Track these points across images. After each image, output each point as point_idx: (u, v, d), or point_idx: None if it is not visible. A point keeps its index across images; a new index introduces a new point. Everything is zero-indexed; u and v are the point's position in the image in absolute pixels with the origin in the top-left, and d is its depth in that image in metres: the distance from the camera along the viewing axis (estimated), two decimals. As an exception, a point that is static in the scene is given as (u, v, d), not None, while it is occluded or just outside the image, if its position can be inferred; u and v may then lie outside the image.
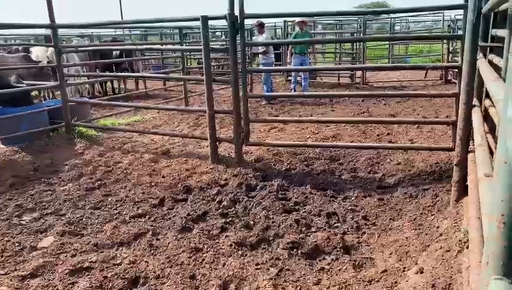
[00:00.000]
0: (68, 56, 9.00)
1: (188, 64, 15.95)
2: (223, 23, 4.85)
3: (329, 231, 3.39)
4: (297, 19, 10.21)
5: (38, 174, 5.03)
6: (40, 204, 4.14)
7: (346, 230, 3.43)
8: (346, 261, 2.96)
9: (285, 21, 13.78)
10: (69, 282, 2.77)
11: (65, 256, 3.11)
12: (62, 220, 3.75)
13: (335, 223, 3.57)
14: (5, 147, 6.08)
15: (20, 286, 2.75)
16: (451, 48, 11.75)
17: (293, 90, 10.78)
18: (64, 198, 4.26)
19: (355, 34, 13.88)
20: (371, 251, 3.11)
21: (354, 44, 13.92)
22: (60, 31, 7.92)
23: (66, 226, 3.59)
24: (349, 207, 3.84)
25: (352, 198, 4.08)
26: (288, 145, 5.54)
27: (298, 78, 11.05)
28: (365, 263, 2.94)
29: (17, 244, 3.33)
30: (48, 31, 7.24)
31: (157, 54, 13.52)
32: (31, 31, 17.70)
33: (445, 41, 12.93)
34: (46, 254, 3.16)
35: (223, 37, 14.90)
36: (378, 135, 6.34)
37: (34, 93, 10.50)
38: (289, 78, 12.13)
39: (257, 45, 10.77)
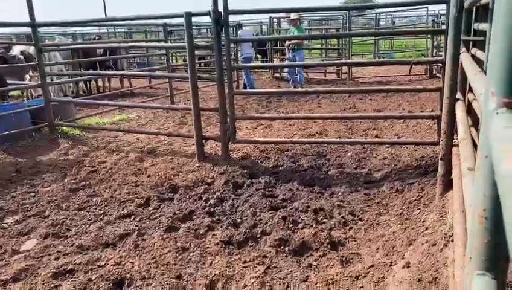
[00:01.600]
0: (50, 55, 8.82)
1: (174, 61, 15.83)
2: (208, 19, 4.80)
3: (317, 227, 3.38)
4: (292, 16, 10.25)
5: (20, 175, 4.92)
6: (22, 206, 4.05)
7: (333, 226, 3.43)
8: (333, 257, 2.96)
9: (270, 17, 13.75)
10: (52, 285, 2.71)
11: (48, 259, 3.05)
12: (45, 222, 3.68)
13: (322, 219, 3.56)
14: (-14, 148, 5.94)
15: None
16: (435, 43, 11.86)
17: (293, 86, 10.78)
18: (48, 199, 4.18)
19: (340, 30, 13.93)
20: (358, 246, 3.12)
21: (340, 40, 13.97)
22: (43, 29, 7.77)
23: (50, 228, 3.52)
24: (336, 203, 3.85)
25: (339, 194, 4.08)
26: (275, 142, 5.53)
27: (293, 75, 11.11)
28: (352, 259, 2.94)
29: (-1, 247, 3.26)
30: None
31: (142, 51, 13.36)
32: (13, 29, 17.34)
33: (429, 36, 13.05)
34: (29, 257, 3.09)
35: (209, 34, 14.82)
36: (364, 131, 6.37)
37: (16, 92, 10.31)
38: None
39: (241, 41, 10.74)
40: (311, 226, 3.43)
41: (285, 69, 12.64)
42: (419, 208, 3.49)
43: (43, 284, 2.72)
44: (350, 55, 12.98)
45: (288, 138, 6.07)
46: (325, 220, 3.55)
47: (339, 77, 13.15)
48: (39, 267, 2.93)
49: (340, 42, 13.99)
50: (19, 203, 4.13)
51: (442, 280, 2.20)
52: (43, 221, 3.71)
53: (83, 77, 10.40)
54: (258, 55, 14.47)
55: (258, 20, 18.92)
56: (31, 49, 8.12)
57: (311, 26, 17.47)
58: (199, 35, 18.27)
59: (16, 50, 8.38)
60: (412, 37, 20.01)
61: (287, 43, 10.76)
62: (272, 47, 13.18)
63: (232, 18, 6.68)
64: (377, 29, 15.59)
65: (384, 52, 18.48)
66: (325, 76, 13.45)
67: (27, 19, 6.04)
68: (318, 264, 2.90)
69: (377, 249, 2.98)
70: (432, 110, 6.88)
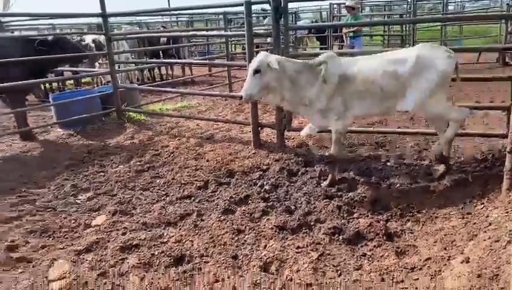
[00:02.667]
0: (118, 43, 9.33)
1: (233, 49, 16.06)
2: (268, 7, 4.83)
3: (372, 218, 3.35)
4: (347, 3, 10.01)
5: (91, 156, 5.33)
6: (93, 184, 4.40)
7: (389, 217, 3.38)
8: (388, 248, 2.93)
9: (331, 4, 13.48)
10: (119, 258, 2.94)
11: (116, 233, 3.31)
12: (114, 200, 3.97)
13: (378, 209, 3.52)
14: (62, 130, 6.48)
15: (76, 259, 2.97)
16: (510, 28, 10.98)
17: None
18: (116, 179, 4.49)
19: (405, 16, 13.32)
20: (415, 238, 3.05)
21: (404, 26, 13.36)
22: (111, 19, 8.23)
23: (117, 206, 3.80)
24: (394, 194, 3.77)
25: (397, 185, 3.99)
26: (330, 130, 5.47)
27: None
28: (408, 251, 2.89)
29: (73, 221, 3.58)
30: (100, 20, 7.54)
31: (203, 40, 13.69)
32: (84, 20, 18.46)
33: (503, 21, 12.11)
34: (99, 231, 3.37)
35: (266, 20, 14.83)
36: (426, 121, 6.11)
37: (87, 79, 11.05)
38: None
39: (300, 29, 10.65)
40: (367, 216, 3.41)
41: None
42: (483, 203, 3.33)
43: (112, 256, 2.97)
44: (414, 42, 12.40)
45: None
46: (381, 211, 3.50)
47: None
48: (108, 241, 3.19)
49: (404, 28, 13.39)
50: (90, 181, 4.49)
51: (504, 277, 2.11)
52: (111, 199, 4.01)
53: (147, 65, 10.90)
54: (317, 42, 14.26)
55: (318, 7, 18.59)
56: (101, 38, 8.65)
57: (373, 12, 16.88)
58: (258, 24, 18.34)
59: (88, 39, 8.94)
60: (484, 22, 18.63)
61: (344, 30, 10.52)
62: (332, 34, 12.93)
63: (290, 5, 6.65)
64: (444, 14, 14.71)
65: (452, 38, 17.41)
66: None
67: (97, 10, 6.44)
68: (372, 254, 2.89)
69: (435, 242, 2.90)
70: (503, 101, 6.43)
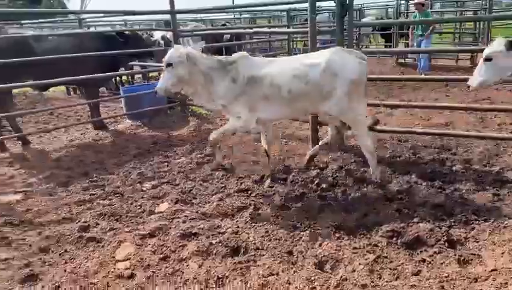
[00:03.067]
0: (184, 40, 9.67)
1: (295, 46, 16.01)
2: (331, 4, 4.79)
3: (434, 223, 3.21)
4: (415, 0, 9.61)
5: (157, 147, 5.62)
6: (158, 174, 4.63)
7: (452, 223, 3.22)
8: (450, 255, 2.80)
9: (397, 0, 12.98)
10: (180, 244, 3.09)
11: (177, 221, 3.47)
12: (176, 189, 4.16)
13: (440, 215, 3.37)
14: (131, 121, 6.88)
15: (140, 243, 3.16)
16: None
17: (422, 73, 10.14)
18: (178, 170, 4.69)
19: (479, 12, 12.50)
20: (480, 247, 2.90)
21: (478, 23, 12.54)
22: (177, 16, 8.56)
23: (179, 195, 3.98)
24: (459, 200, 3.59)
25: (463, 191, 3.79)
26: (393, 131, 5.30)
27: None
28: (472, 260, 2.75)
29: (138, 207, 3.81)
30: (167, 17, 7.88)
31: (265, 36, 13.79)
32: (152, 16, 19.33)
33: None
34: (162, 218, 3.56)
35: (331, 18, 14.63)
36: (499, 125, 5.74)
37: (154, 74, 11.58)
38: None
39: (366, 26, 10.38)
40: (428, 221, 3.27)
41: (410, 55, 11.89)
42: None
43: (173, 242, 3.13)
44: (488, 40, 11.59)
45: (408, 128, 5.77)
46: (444, 216, 3.35)
47: (472, 64, 11.87)
48: (170, 228, 3.36)
49: (478, 26, 12.56)
50: (155, 170, 4.74)
51: None
52: (174, 188, 4.20)
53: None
54: (381, 40, 13.82)
55: (384, 4, 17.96)
56: (169, 34, 9.02)
57: (445, 8, 15.98)
58: (320, 21, 18.11)
59: (157, 36, 9.35)
60: None
61: (411, 29, 10.09)
62: (397, 31, 12.47)
63: (355, 1, 6.52)
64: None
65: (533, 36, 16.02)
66: (457, 62, 12.27)
67: (166, 7, 6.74)
68: (432, 261, 2.78)
69: (502, 253, 2.73)
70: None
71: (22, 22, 11.42)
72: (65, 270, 2.84)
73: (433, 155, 4.66)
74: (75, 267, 2.88)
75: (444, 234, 3.02)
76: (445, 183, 3.95)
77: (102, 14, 11.28)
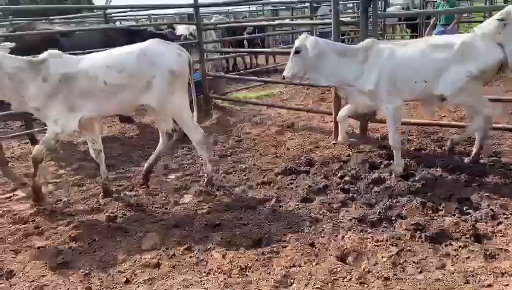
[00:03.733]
0: (206, 33, 9.72)
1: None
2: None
3: (459, 217, 3.17)
4: None
5: (181, 139, 5.69)
6: (182, 166, 4.72)
7: (479, 218, 3.16)
8: (476, 249, 2.76)
9: (424, -12, 12.64)
10: (204, 235, 3.15)
11: (201, 212, 3.54)
12: (199, 181, 4.23)
13: (466, 209, 3.31)
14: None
15: (165, 233, 3.24)
16: None
17: None
18: (201, 162, 4.75)
19: (510, 2, 12.03)
20: (507, 242, 2.83)
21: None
22: (200, 9, 8.62)
23: (202, 187, 4.04)
24: (486, 194, 3.50)
25: (491, 185, 3.70)
26: (418, 123, 5.21)
27: None
28: (499, 255, 2.70)
29: (163, 198, 3.89)
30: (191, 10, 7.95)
31: (287, 28, 13.71)
32: (176, 10, 19.49)
33: None
34: (186, 209, 3.63)
35: (355, 9, 14.37)
36: (529, 117, 5.54)
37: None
38: None
39: (391, 17, 10.16)
40: (453, 215, 3.23)
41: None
42: None
43: (197, 232, 3.19)
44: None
45: (434, 120, 5.65)
46: (470, 210, 3.30)
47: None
48: (194, 218, 3.43)
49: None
50: (179, 163, 4.82)
51: None
52: (197, 180, 4.27)
53: (233, 54, 11.23)
54: (408, 30, 13.49)
55: (410, -7, 17.52)
56: (191, 28, 9.08)
57: (473, -4, 15.45)
58: (343, 12, 17.84)
59: (182, 30, 9.43)
60: None
61: (434, 19, 9.76)
62: (424, 21, 12.14)
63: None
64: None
65: None
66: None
67: (190, 0, 6.79)
68: (457, 255, 2.74)
69: (531, 248, 2.67)
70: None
71: (51, 17, 11.71)
72: (94, 259, 2.94)
73: (460, 148, 4.56)
74: (103, 255, 2.98)
75: (470, 228, 2.98)
76: (471, 176, 3.87)
77: (127, 9, 11.46)
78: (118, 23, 13.74)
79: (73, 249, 3.09)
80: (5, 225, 3.51)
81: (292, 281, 2.56)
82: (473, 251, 2.75)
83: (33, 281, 2.74)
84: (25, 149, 5.60)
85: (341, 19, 5.24)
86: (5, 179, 4.61)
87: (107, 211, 3.66)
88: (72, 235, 3.27)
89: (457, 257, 2.73)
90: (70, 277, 2.75)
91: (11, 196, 4.15)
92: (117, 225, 3.41)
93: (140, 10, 12.58)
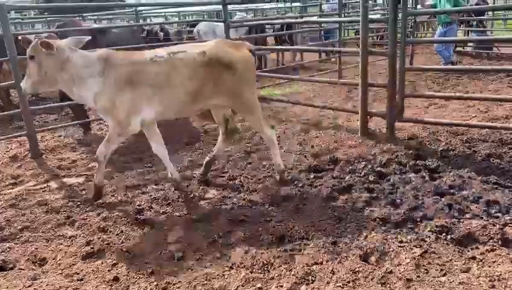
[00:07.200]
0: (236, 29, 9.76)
1: (346, 35, 15.66)
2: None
3: (487, 220, 3.10)
4: None
5: (206, 136, 5.79)
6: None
7: (508, 221, 3.08)
8: (503, 254, 2.70)
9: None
10: (227, 230, 3.21)
11: (225, 208, 3.60)
12: (224, 177, 4.30)
13: (495, 212, 3.23)
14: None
15: (190, 227, 3.32)
16: None
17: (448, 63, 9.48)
18: (227, 159, 4.82)
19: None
20: (537, 248, 2.76)
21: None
22: (228, 6, 8.68)
23: (227, 182, 4.10)
24: (516, 197, 3.42)
25: (522, 188, 3.60)
26: (447, 123, 5.10)
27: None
28: (527, 260, 2.63)
29: (189, 193, 3.97)
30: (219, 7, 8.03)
31: (315, 25, 13.60)
32: (204, 7, 19.69)
33: None
34: (211, 204, 3.70)
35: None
36: None
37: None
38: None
39: (421, 14, 9.92)
40: (481, 218, 3.16)
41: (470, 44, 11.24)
42: None
43: (220, 227, 3.25)
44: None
45: (464, 120, 5.52)
46: (498, 214, 3.21)
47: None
48: (218, 214, 3.50)
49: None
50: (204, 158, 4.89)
51: None
52: (222, 176, 4.33)
53: (260, 51, 11.23)
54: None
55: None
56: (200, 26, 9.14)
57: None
58: (372, 9, 17.53)
59: (200, 27, 9.50)
60: None
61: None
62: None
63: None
64: None
65: None
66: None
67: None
68: (484, 259, 2.69)
69: (562, 255, 2.59)
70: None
71: (84, 14, 12.06)
72: (121, 250, 3.05)
73: (490, 150, 4.44)
74: (130, 247, 3.08)
75: (498, 231, 2.91)
76: (501, 179, 3.77)
77: (157, 7, 11.66)
78: (148, 20, 13.98)
79: (102, 240, 3.20)
80: (39, 215, 3.67)
81: (313, 278, 2.58)
82: (500, 255, 2.70)
83: (64, 269, 2.86)
84: (58, 142, 5.81)
85: (370, 16, 5.18)
86: (39, 170, 4.80)
87: (134, 204, 3.77)
88: (101, 226, 3.39)
89: (483, 260, 2.67)
90: (99, 266, 2.86)
91: (44, 187, 4.33)
92: (144, 218, 3.51)
93: (170, 7, 12.78)
